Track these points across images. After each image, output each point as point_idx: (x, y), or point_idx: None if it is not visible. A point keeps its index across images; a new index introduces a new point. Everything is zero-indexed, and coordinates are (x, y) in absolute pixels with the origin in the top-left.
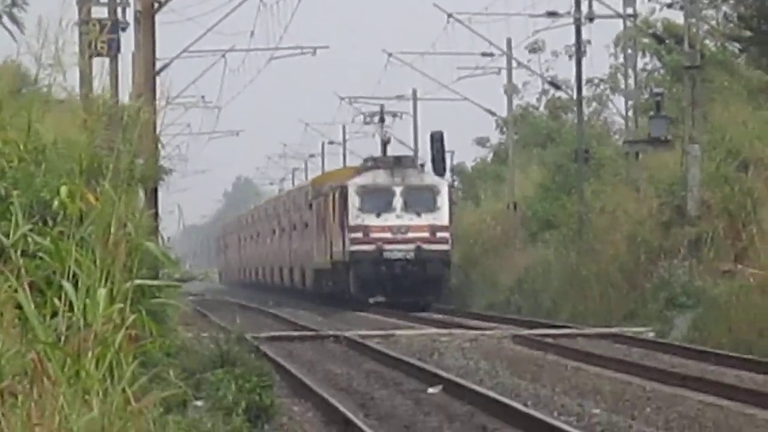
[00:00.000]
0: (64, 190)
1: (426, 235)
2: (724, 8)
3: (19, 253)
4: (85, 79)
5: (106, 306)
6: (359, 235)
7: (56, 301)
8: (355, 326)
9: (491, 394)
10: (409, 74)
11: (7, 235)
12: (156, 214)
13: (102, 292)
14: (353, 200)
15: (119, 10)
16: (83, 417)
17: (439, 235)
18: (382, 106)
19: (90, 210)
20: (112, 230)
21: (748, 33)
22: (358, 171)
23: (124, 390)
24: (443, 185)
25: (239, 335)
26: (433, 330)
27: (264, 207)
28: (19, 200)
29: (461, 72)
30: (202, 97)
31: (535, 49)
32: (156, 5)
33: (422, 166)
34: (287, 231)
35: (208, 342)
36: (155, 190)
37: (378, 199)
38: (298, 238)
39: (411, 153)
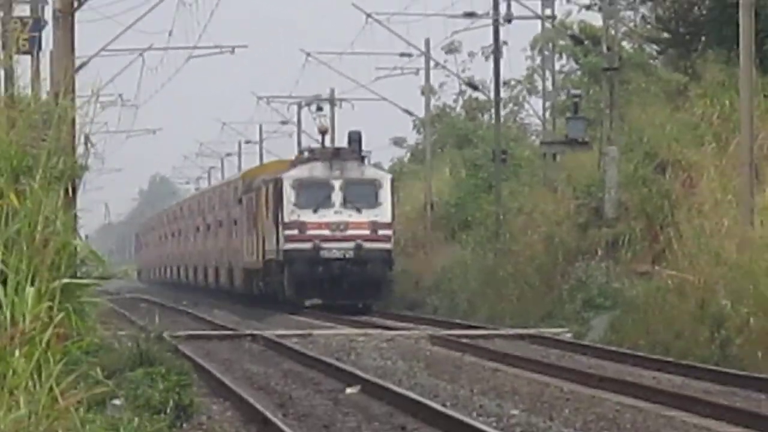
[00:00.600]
0: None
1: (367, 232)
2: (642, 10)
3: None
4: (9, 77)
5: (34, 304)
6: (295, 232)
7: None
8: (272, 326)
9: (410, 394)
10: (327, 74)
11: None
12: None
13: (30, 291)
14: (288, 194)
15: (40, 7)
16: (10, 415)
17: (381, 232)
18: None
19: (20, 208)
20: (39, 228)
21: (665, 35)
22: (294, 163)
23: (51, 388)
24: (386, 179)
25: (158, 334)
26: (351, 330)
27: (187, 203)
28: None
29: (379, 72)
30: (120, 95)
31: (452, 49)
32: (75, 3)
33: (363, 158)
34: (213, 228)
35: (126, 340)
36: (74, 189)
37: (315, 194)
38: (226, 235)
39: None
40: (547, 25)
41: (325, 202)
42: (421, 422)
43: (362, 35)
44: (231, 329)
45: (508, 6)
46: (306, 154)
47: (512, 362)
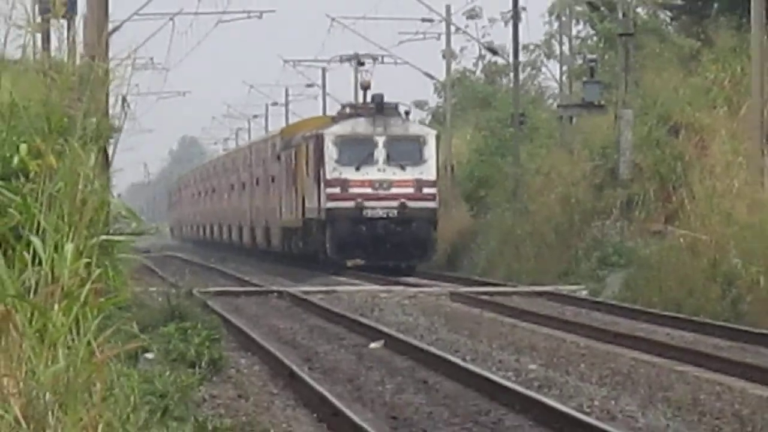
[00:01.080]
0: (23, 148)
1: (411, 191)
2: None
3: None
4: (45, 39)
5: (73, 261)
6: (337, 190)
7: (25, 255)
8: (300, 281)
9: (431, 349)
10: (352, 38)
11: None
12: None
13: (69, 248)
14: (330, 151)
15: None
16: (50, 368)
17: (426, 191)
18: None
19: (59, 167)
20: (80, 187)
21: (679, 1)
22: (335, 119)
23: (88, 343)
24: (431, 135)
25: (188, 290)
26: (374, 287)
27: (221, 160)
28: None
29: (402, 37)
30: (151, 58)
31: (472, 15)
32: None
33: (407, 114)
34: (248, 186)
35: (157, 296)
36: (105, 149)
37: (358, 151)
38: (263, 193)
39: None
40: None
41: (368, 159)
42: (442, 376)
43: (385, 2)
44: (258, 285)
45: None
46: (348, 109)
47: (529, 318)
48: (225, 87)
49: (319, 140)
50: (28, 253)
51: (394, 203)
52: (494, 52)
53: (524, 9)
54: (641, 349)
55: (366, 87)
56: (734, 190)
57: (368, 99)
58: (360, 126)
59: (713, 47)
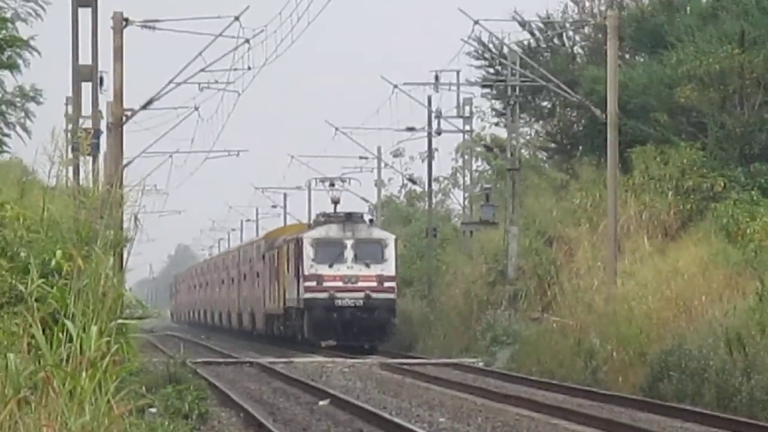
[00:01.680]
0: (59, 253)
1: (374, 284)
2: (536, 127)
3: (33, 299)
4: (75, 171)
5: (96, 339)
6: (313, 283)
7: (60, 334)
8: (264, 354)
9: (365, 406)
10: (306, 171)
11: (26, 286)
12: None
13: (94, 329)
14: (308, 251)
15: (99, 121)
16: (79, 420)
17: (386, 284)
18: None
19: (86, 268)
20: (101, 282)
21: (552, 145)
22: (311, 226)
23: (108, 400)
24: (391, 239)
25: (182, 360)
26: (322, 358)
27: (213, 260)
28: (36, 261)
29: (344, 170)
30: (155, 185)
31: (397, 154)
32: (123, 119)
33: (371, 221)
34: (236, 280)
35: (159, 365)
36: (121, 254)
37: (331, 251)
38: (249, 285)
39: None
40: (467, 137)
41: (339, 258)
42: (374, 426)
43: (332, 143)
44: (235, 357)
45: (439, 123)
46: (322, 218)
47: (439, 383)
48: (211, 207)
49: (299, 242)
50: (63, 333)
51: (361, 294)
52: (413, 182)
53: (437, 149)
54: (523, 407)
55: (336, 201)
56: (594, 287)
57: (336, 210)
58: (332, 231)
59: (578, 179)
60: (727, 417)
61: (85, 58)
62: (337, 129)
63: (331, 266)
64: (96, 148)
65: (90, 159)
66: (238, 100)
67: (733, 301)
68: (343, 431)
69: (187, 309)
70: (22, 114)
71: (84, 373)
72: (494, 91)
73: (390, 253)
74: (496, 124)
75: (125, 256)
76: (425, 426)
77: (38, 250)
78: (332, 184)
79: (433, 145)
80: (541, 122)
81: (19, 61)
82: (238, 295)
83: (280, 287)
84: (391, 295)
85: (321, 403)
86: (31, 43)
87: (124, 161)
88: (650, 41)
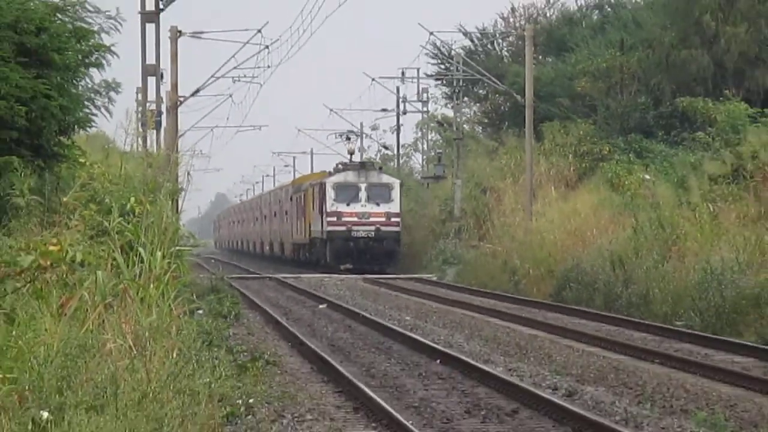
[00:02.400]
0: (132, 199)
1: (383, 219)
2: (474, 108)
3: (115, 232)
4: (144, 141)
5: (160, 260)
6: (334, 219)
7: (134, 258)
8: (281, 271)
9: (352, 308)
10: (309, 140)
11: (109, 223)
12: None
13: (159, 254)
14: (330, 193)
15: (160, 104)
16: (148, 319)
17: (393, 219)
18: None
19: (152, 210)
20: (163, 220)
21: (486, 121)
22: (331, 173)
23: (169, 305)
24: (396, 183)
25: (221, 276)
26: (320, 275)
27: (247, 203)
28: (116, 204)
29: (337, 140)
30: (201, 150)
31: (374, 128)
32: (178, 103)
33: (380, 169)
34: (268, 217)
35: (204, 279)
36: (176, 200)
37: (348, 193)
38: (279, 221)
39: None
40: (425, 116)
41: (355, 199)
42: (358, 323)
43: (328, 120)
44: (258, 273)
45: (404, 106)
46: (340, 166)
47: (406, 291)
48: (241, 166)
49: (323, 186)
50: (136, 256)
51: (372, 228)
52: (386, 148)
53: (403, 125)
54: (466, 309)
55: (351, 152)
56: (516, 223)
57: (352, 159)
58: (350, 176)
59: (505, 146)
60: (611, 315)
61: (150, 59)
62: (331, 110)
63: (348, 205)
64: (158, 124)
65: (154, 132)
66: (261, 90)
67: (615, 233)
68: (336, 326)
69: (227, 240)
70: (106, 100)
71: (151, 285)
72: (444, 83)
73: (396, 194)
74: (445, 106)
75: (180, 201)
76: (396, 322)
77: (118, 197)
78: (348, 138)
79: (400, 122)
80: (478, 105)
81: (103, 62)
82: (270, 229)
83: (306, 222)
84: (397, 228)
85: (320, 306)
86: (112, 48)
87: (179, 134)
88: (556, 47)
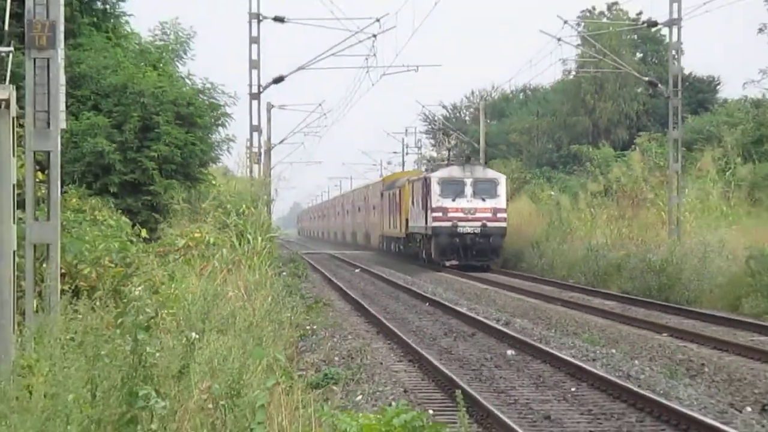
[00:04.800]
0: (243, 205)
1: (489, 215)
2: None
3: (233, 225)
4: (251, 169)
5: (261, 243)
6: (439, 214)
7: (244, 241)
8: (340, 249)
9: (376, 272)
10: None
11: (229, 220)
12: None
13: (259, 239)
14: (435, 188)
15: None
16: (252, 278)
17: (499, 215)
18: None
19: (254, 213)
20: (263, 220)
21: (461, 158)
22: (433, 169)
23: (266, 270)
24: (502, 178)
25: (296, 252)
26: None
27: (326, 202)
28: (233, 209)
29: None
30: (284, 177)
31: (389, 162)
32: (270, 147)
33: (486, 163)
34: (351, 211)
35: (286, 254)
36: (269, 205)
37: (453, 188)
38: (363, 215)
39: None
40: (419, 154)
41: (461, 194)
42: (380, 281)
43: (361, 157)
44: (318, 251)
45: (406, 149)
46: (446, 161)
47: (408, 259)
48: (306, 185)
49: (427, 181)
50: (246, 240)
51: (478, 223)
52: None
53: (405, 161)
54: (445, 272)
55: (450, 148)
56: None
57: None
58: (455, 171)
59: None
60: (531, 276)
61: (254, 121)
62: (363, 152)
63: (453, 200)
64: (259, 161)
65: (256, 166)
66: (320, 140)
67: (536, 227)
68: (365, 283)
69: (308, 230)
70: (227, 146)
71: (255, 258)
72: (431, 135)
73: (501, 190)
74: (431, 149)
75: (272, 206)
76: (401, 280)
77: (234, 204)
78: (446, 134)
79: (404, 159)
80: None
81: (226, 123)
82: (353, 222)
83: (401, 217)
84: (503, 224)
85: (356, 270)
86: (231, 115)
87: (271, 167)
88: (498, 114)
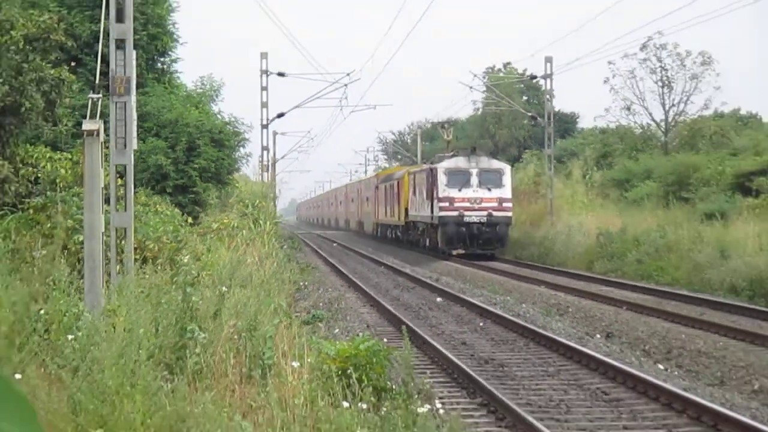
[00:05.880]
0: (257, 201)
1: (495, 205)
2: (395, 163)
3: (250, 214)
4: (261, 176)
5: (269, 226)
6: (446, 204)
7: (257, 225)
8: (327, 231)
9: (348, 245)
10: (356, 166)
11: (247, 210)
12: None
13: (268, 223)
14: (441, 179)
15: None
16: (263, 249)
17: (504, 205)
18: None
19: (262, 206)
20: (270, 210)
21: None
22: (435, 160)
23: (273, 244)
24: (507, 168)
25: (294, 233)
26: (315, 231)
27: (320, 196)
28: (250, 203)
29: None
30: (285, 182)
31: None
32: (276, 161)
33: (491, 154)
34: (344, 201)
35: (286, 234)
36: (275, 201)
37: (459, 178)
38: (356, 205)
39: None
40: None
41: (467, 184)
42: (353, 252)
43: (338, 169)
44: (313, 232)
45: (366, 166)
46: (451, 152)
47: (360, 234)
48: (318, 176)
49: (433, 171)
50: (259, 224)
51: (484, 213)
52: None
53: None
54: (403, 247)
55: (449, 141)
56: None
57: (448, 147)
58: (460, 162)
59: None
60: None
61: (264, 143)
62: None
63: (460, 190)
64: (267, 170)
65: (266, 174)
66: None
67: None
68: (341, 252)
69: (305, 217)
70: (245, 160)
71: (265, 236)
72: (386, 155)
73: (507, 180)
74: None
75: (276, 201)
76: (363, 249)
77: (250, 200)
78: (443, 127)
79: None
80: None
81: (246, 144)
82: (346, 211)
83: (399, 207)
84: (509, 214)
85: (334, 245)
86: (249, 139)
87: (276, 174)
88: (430, 138)
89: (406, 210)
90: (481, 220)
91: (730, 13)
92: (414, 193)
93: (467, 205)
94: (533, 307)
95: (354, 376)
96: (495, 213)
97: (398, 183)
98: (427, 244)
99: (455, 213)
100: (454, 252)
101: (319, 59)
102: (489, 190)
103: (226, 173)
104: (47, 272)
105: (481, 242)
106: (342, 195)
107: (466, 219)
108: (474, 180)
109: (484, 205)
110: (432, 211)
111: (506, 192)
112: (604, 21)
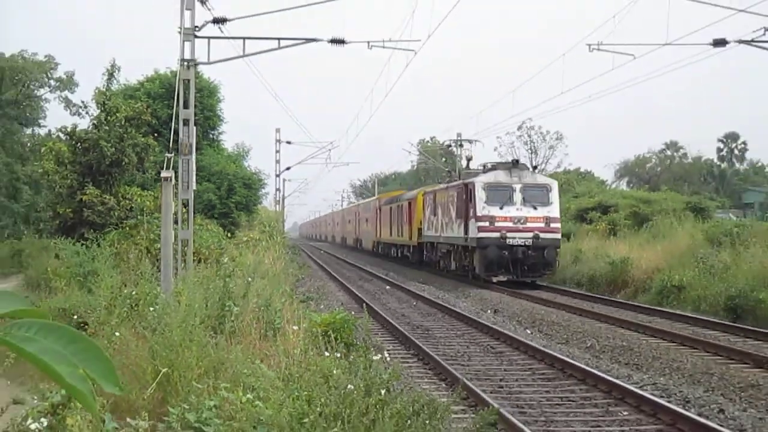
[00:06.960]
0: (272, 223)
1: (542, 225)
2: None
3: (267, 232)
4: (275, 206)
5: (279, 239)
6: (486, 223)
7: (272, 238)
8: (325, 243)
9: (334, 254)
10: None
11: (264, 229)
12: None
13: (279, 237)
14: (480, 194)
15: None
16: (275, 254)
17: (552, 225)
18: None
19: (273, 227)
20: (280, 228)
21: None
22: (464, 177)
23: (282, 251)
24: (554, 184)
25: (296, 244)
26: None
27: (330, 214)
28: (267, 224)
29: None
30: (290, 211)
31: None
32: (285, 197)
33: (535, 168)
34: (342, 222)
35: (291, 245)
36: (284, 222)
37: (501, 194)
38: (354, 226)
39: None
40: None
41: (509, 201)
42: (338, 259)
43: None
44: (316, 246)
45: (346, 200)
46: (489, 165)
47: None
48: (326, 198)
49: (469, 187)
50: (273, 237)
51: (530, 234)
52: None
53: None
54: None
55: (469, 158)
56: None
57: (470, 166)
58: (501, 176)
59: None
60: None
61: (278, 186)
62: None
63: (501, 208)
64: (279, 203)
65: (278, 205)
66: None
67: None
68: (328, 257)
69: (307, 234)
70: (265, 197)
71: (277, 246)
72: (354, 194)
73: (554, 196)
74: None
75: (284, 223)
76: (349, 258)
77: (267, 222)
78: (461, 145)
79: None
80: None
81: (266, 186)
82: (343, 230)
83: (410, 227)
84: (557, 235)
85: (322, 252)
86: (267, 183)
87: (286, 205)
88: (385, 185)
89: (419, 230)
90: (527, 243)
91: (582, 105)
92: (433, 212)
93: (510, 225)
94: (446, 292)
95: (332, 335)
96: (542, 234)
97: (409, 204)
98: (453, 267)
99: (496, 234)
100: (495, 280)
101: (311, 129)
102: (534, 208)
103: (252, 205)
104: (137, 268)
105: (526, 268)
106: (339, 217)
107: (510, 241)
108: (517, 197)
109: (529, 225)
110: (466, 232)
111: (554, 210)
112: (494, 109)
